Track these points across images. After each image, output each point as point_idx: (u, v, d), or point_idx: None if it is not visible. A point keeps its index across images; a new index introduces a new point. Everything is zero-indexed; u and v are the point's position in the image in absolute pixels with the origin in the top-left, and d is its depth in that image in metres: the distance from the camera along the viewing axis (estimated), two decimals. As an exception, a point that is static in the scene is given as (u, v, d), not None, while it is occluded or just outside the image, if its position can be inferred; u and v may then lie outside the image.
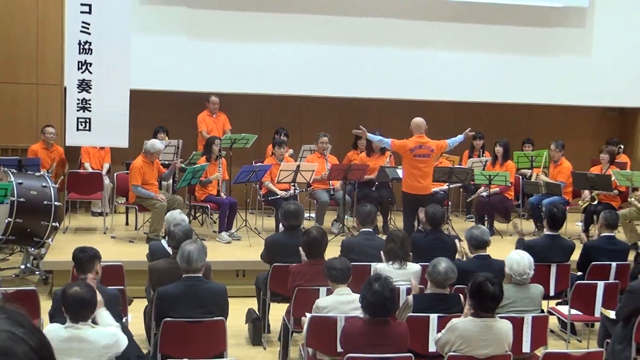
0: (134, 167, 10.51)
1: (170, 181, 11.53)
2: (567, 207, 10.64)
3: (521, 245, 8.14)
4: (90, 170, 11.67)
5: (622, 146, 13.41)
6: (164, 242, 7.64)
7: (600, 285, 7.73)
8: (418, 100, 12.68)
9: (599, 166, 11.98)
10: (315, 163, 11.23)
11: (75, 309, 5.14)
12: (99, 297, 5.51)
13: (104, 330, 5.30)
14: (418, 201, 9.95)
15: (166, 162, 11.32)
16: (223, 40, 12.46)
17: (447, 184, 11.45)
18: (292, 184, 10.72)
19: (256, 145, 12.21)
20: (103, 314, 5.52)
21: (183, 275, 6.23)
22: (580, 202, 11.63)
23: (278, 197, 10.85)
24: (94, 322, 5.47)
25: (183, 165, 11.21)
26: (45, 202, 9.42)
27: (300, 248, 7.11)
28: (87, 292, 5.14)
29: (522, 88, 13.29)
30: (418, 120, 10.30)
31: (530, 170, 12.47)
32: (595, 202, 11.30)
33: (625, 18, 13.52)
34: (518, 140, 13.23)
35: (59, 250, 9.48)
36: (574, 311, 7.85)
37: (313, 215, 11.95)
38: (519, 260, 6.52)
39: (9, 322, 1.41)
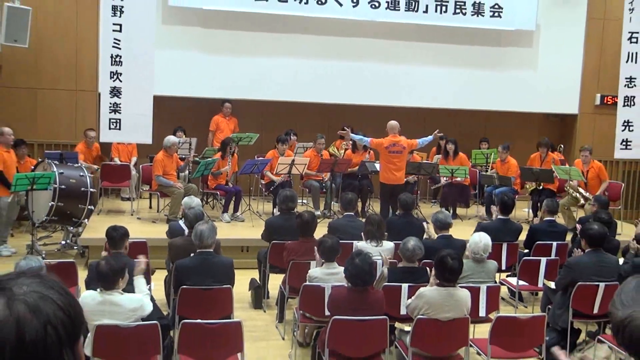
0: (156, 160, 10.50)
1: (186, 172, 11.49)
2: (516, 196, 10.70)
3: (478, 226, 8.18)
4: (119, 162, 11.63)
5: (562, 146, 13.46)
6: (181, 223, 7.64)
7: (543, 261, 7.78)
8: (393, 106, 12.65)
9: (538, 153, 11.97)
10: (307, 157, 11.18)
11: (101, 280, 5.15)
12: (141, 266, 5.53)
13: (132, 296, 5.31)
14: (393, 190, 9.99)
15: (183, 157, 11.33)
16: (231, 55, 12.41)
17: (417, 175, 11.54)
18: (288, 174, 10.73)
19: (258, 143, 12.20)
20: (140, 280, 5.52)
21: (197, 251, 6.24)
22: (527, 185, 11.71)
23: (276, 184, 10.84)
24: (131, 287, 5.50)
25: (197, 159, 11.20)
26: (82, 189, 9.40)
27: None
28: (110, 267, 5.14)
29: (480, 97, 13.29)
30: (392, 122, 10.35)
31: (486, 164, 12.47)
32: (540, 187, 11.42)
33: (565, 40, 13.54)
34: (476, 140, 13.27)
35: (94, 229, 9.46)
36: (521, 282, 7.89)
37: (305, 201, 12.00)
38: (477, 242, 6.56)
39: (41, 285, 1.40)
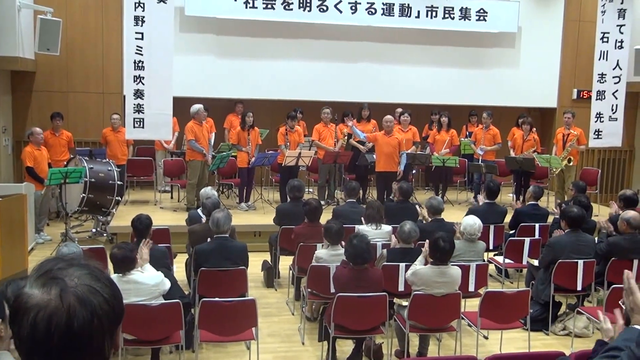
0: (187, 127, 10.44)
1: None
2: (502, 182, 10.64)
3: (469, 211, 8.12)
4: (143, 158, 11.54)
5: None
6: (199, 211, 7.61)
7: (527, 241, 7.75)
8: (388, 103, 12.59)
9: (520, 132, 11.73)
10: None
11: (118, 265, 5.15)
12: (145, 256, 5.46)
13: (151, 274, 5.31)
14: (387, 177, 10.04)
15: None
16: (243, 58, 12.36)
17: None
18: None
19: (268, 138, 12.15)
20: (147, 267, 5.44)
21: (214, 236, 6.22)
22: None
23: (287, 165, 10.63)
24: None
25: (213, 153, 11.10)
26: (110, 182, 9.38)
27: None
28: (122, 253, 5.12)
29: (468, 93, 13.20)
30: (387, 117, 10.31)
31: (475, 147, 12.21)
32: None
33: (544, 40, 13.47)
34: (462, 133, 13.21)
35: (121, 218, 9.46)
36: (507, 260, 7.86)
37: (311, 189, 12.01)
38: (471, 224, 6.53)
39: (90, 277, 1.41)
